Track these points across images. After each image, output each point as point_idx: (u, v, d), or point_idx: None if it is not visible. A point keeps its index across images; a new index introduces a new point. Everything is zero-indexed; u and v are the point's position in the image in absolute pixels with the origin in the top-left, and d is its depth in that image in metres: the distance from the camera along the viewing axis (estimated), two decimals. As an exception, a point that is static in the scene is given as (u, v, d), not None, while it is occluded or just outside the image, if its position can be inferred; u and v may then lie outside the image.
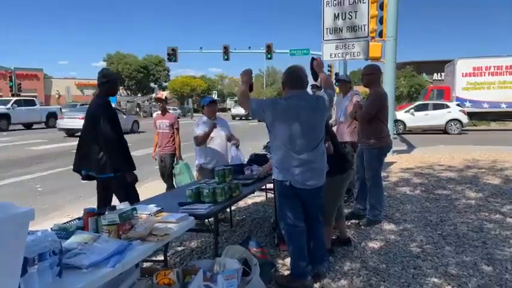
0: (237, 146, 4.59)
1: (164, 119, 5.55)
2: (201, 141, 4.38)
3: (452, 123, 17.62)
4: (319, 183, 2.96)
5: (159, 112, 5.67)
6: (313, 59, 3.33)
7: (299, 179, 2.88)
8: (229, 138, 4.54)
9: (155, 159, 5.70)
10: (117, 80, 3.94)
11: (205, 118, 4.52)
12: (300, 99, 2.91)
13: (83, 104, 32.26)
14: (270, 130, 2.99)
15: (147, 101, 45.72)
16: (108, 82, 3.68)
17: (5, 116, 21.65)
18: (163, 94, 5.88)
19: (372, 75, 4.42)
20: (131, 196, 3.52)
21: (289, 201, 3.00)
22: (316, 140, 2.92)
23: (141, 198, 3.74)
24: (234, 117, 37.83)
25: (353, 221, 4.51)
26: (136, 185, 3.85)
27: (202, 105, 4.62)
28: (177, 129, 5.54)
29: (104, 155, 3.50)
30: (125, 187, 3.65)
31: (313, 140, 2.91)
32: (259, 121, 3.31)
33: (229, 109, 62.18)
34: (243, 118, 35.74)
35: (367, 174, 4.45)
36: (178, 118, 5.86)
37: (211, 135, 4.37)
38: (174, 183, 5.30)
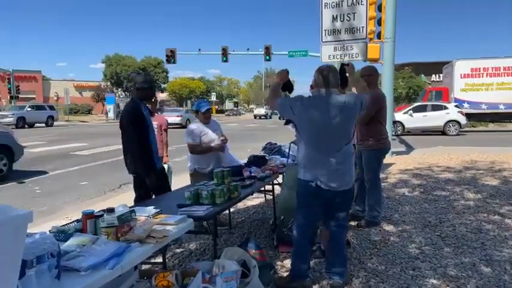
0: (225, 142, 4.46)
1: (153, 121, 5.52)
2: (198, 152, 4.32)
3: (450, 125, 17.67)
4: (343, 186, 2.88)
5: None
6: (343, 65, 3.27)
7: (323, 179, 2.84)
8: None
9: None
10: (155, 86, 4.04)
11: (197, 124, 4.42)
12: (326, 99, 2.86)
13: (32, 106, 28.50)
14: (296, 128, 2.97)
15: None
16: (150, 88, 3.86)
17: None
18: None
19: (369, 76, 4.42)
20: (144, 198, 3.70)
21: (306, 201, 2.97)
22: (341, 141, 2.86)
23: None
24: (255, 116, 43.90)
25: (352, 222, 4.51)
26: (133, 189, 3.91)
27: (197, 110, 4.47)
28: (165, 130, 5.49)
29: (129, 157, 3.76)
30: (140, 188, 3.84)
31: (338, 141, 2.86)
32: (285, 121, 3.35)
33: (227, 110, 62.61)
34: (262, 117, 41.35)
35: (366, 176, 4.45)
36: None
37: (206, 140, 4.30)
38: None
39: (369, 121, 4.31)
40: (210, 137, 4.34)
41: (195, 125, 4.43)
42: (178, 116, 25.74)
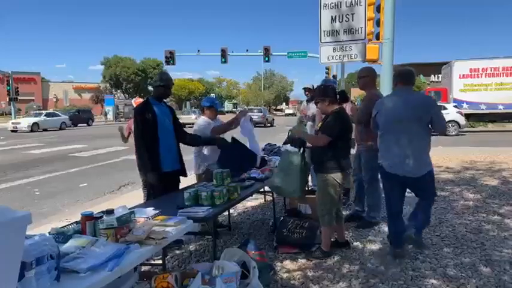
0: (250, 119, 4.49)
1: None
2: (223, 132, 4.31)
3: (449, 125, 17.68)
4: (415, 171, 3.32)
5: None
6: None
7: (392, 164, 3.40)
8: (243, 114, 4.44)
9: None
10: (171, 85, 3.97)
11: (207, 119, 4.38)
12: (398, 96, 3.48)
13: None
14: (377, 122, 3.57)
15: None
16: (164, 86, 3.81)
17: None
18: (138, 100, 5.58)
19: (367, 77, 4.42)
20: (151, 197, 3.71)
21: (387, 185, 3.57)
22: (410, 133, 3.31)
23: (137, 202, 3.75)
24: (286, 115, 56.61)
25: (351, 222, 4.50)
26: (133, 189, 3.88)
27: (204, 106, 4.47)
28: None
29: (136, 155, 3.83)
30: (150, 186, 3.85)
31: (407, 133, 3.31)
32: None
33: (227, 112, 63.33)
34: (289, 115, 52.13)
35: (365, 176, 4.45)
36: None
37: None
38: None
39: (369, 122, 4.29)
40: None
41: (204, 120, 4.38)
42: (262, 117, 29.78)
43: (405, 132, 3.31)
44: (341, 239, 3.79)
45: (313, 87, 7.14)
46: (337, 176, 3.44)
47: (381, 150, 3.53)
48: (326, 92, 3.59)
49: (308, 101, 6.50)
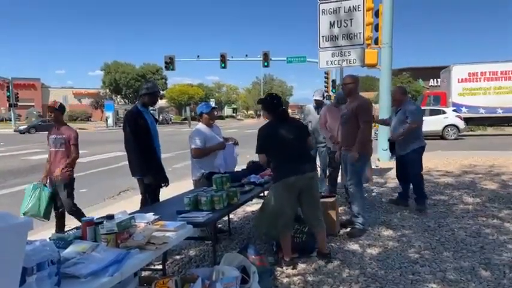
0: (236, 144, 4.60)
1: (59, 133, 4.33)
2: (202, 155, 4.16)
3: (449, 129, 17.71)
4: None
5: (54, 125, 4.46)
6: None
7: None
8: (227, 139, 4.55)
9: (45, 185, 4.57)
10: (157, 93, 4.26)
11: (203, 127, 4.31)
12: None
13: None
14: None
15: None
16: (150, 94, 4.06)
17: None
18: (57, 102, 4.48)
19: (352, 84, 4.48)
20: (148, 201, 3.89)
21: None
22: None
23: (137, 207, 3.76)
24: None
25: (350, 228, 4.50)
26: (133, 195, 3.93)
27: (201, 112, 4.34)
28: (75, 145, 4.33)
29: (129, 159, 3.97)
30: (146, 191, 3.98)
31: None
32: None
33: (227, 117, 63.01)
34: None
35: (350, 180, 4.39)
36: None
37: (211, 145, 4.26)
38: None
39: (357, 127, 4.30)
40: (216, 142, 4.30)
41: (202, 128, 4.30)
42: None
43: None
44: (321, 249, 3.63)
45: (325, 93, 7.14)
46: (278, 186, 3.40)
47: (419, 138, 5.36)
48: (261, 102, 3.59)
49: (320, 106, 6.20)
